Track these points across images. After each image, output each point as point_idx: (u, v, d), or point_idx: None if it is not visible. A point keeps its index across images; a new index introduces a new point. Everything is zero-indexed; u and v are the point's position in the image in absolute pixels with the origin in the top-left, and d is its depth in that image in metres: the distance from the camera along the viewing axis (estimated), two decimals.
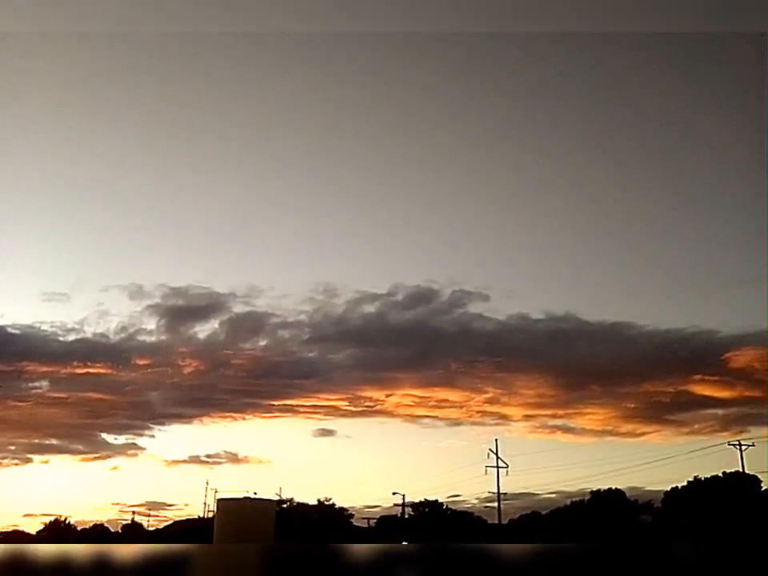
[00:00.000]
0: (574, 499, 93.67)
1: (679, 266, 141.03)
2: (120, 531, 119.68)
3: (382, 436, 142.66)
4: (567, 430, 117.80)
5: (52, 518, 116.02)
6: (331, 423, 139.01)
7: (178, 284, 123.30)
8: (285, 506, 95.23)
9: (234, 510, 67.19)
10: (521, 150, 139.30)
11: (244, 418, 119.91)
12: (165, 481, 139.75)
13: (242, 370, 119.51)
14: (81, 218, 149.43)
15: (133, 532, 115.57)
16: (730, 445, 76.13)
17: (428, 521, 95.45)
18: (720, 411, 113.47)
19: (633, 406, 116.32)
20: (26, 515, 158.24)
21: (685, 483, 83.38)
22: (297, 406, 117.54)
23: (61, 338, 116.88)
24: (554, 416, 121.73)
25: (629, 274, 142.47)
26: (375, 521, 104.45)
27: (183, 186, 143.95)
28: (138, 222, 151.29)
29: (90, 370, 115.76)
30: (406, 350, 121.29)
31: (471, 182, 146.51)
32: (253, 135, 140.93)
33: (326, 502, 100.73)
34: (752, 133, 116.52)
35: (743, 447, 75.24)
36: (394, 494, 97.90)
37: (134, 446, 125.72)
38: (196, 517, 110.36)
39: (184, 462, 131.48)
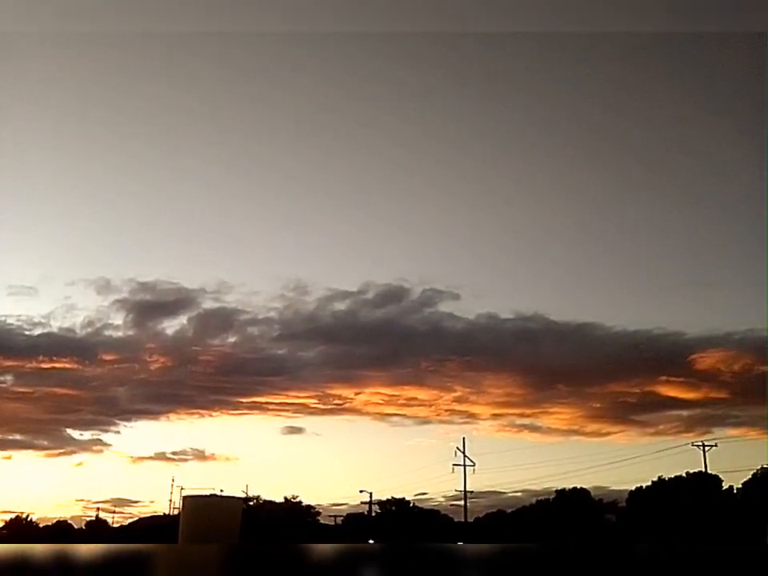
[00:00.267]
0: (539, 498, 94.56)
1: (647, 268, 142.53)
2: (84, 528, 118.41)
3: (351, 434, 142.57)
4: (534, 429, 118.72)
5: (13, 516, 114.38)
6: (300, 421, 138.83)
7: (147, 279, 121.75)
8: (251, 503, 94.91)
9: (200, 508, 66.84)
10: (493, 149, 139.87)
11: (211, 415, 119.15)
12: (130, 477, 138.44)
13: (211, 367, 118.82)
14: (48, 211, 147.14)
15: (97, 529, 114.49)
16: (693, 445, 77.24)
17: (395, 519, 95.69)
18: (685, 412, 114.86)
19: (599, 405, 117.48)
20: None
21: (649, 483, 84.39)
22: (265, 403, 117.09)
23: (27, 332, 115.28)
24: (521, 415, 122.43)
25: (597, 275, 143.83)
26: (342, 519, 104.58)
27: (152, 181, 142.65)
28: (107, 215, 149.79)
29: (56, 365, 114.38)
30: (376, 348, 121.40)
31: (443, 181, 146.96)
32: (225, 132, 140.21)
33: (293, 500, 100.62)
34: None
35: (706, 448, 76.38)
36: (361, 491, 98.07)
37: (100, 441, 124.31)
38: (161, 514, 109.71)
39: (150, 458, 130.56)
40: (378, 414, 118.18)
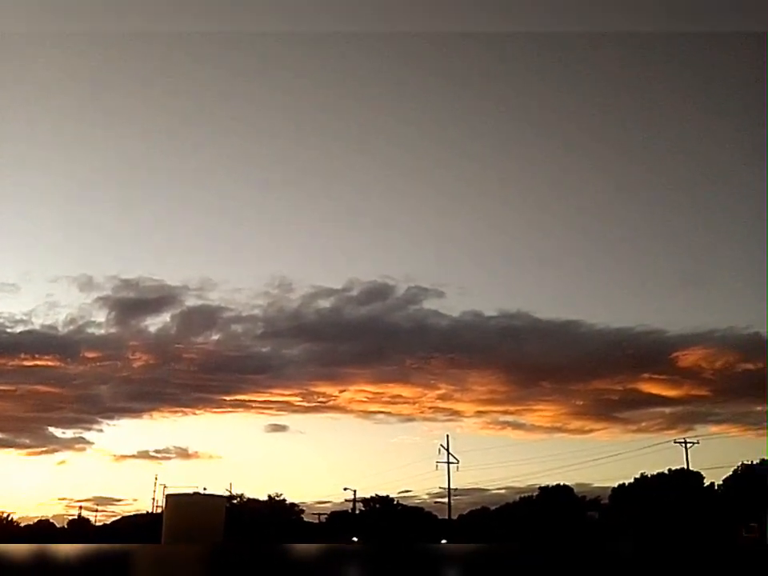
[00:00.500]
0: (522, 495, 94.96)
1: (630, 267, 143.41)
2: (66, 527, 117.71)
3: (335, 432, 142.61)
4: (518, 426, 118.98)
5: None
6: (284, 419, 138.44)
7: (129, 276, 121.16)
8: (235, 501, 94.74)
9: (184, 506, 66.75)
10: (478, 148, 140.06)
11: (195, 413, 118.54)
12: (113, 476, 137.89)
13: (194, 365, 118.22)
14: (30, 208, 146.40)
15: (79, 528, 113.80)
16: (675, 443, 77.69)
17: (378, 517, 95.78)
18: (667, 409, 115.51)
19: (582, 403, 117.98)
20: None
21: (632, 480, 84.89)
22: (249, 401, 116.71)
23: (9, 330, 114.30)
24: (505, 412, 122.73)
25: (581, 273, 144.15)
26: (326, 516, 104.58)
27: (135, 177, 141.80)
28: (89, 212, 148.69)
29: (38, 363, 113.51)
30: (361, 345, 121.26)
31: (429, 180, 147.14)
32: (209, 131, 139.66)
33: (277, 498, 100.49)
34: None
35: (688, 445, 76.88)
36: (345, 489, 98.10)
37: (82, 440, 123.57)
38: (144, 512, 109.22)
39: (133, 456, 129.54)
40: (362, 411, 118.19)
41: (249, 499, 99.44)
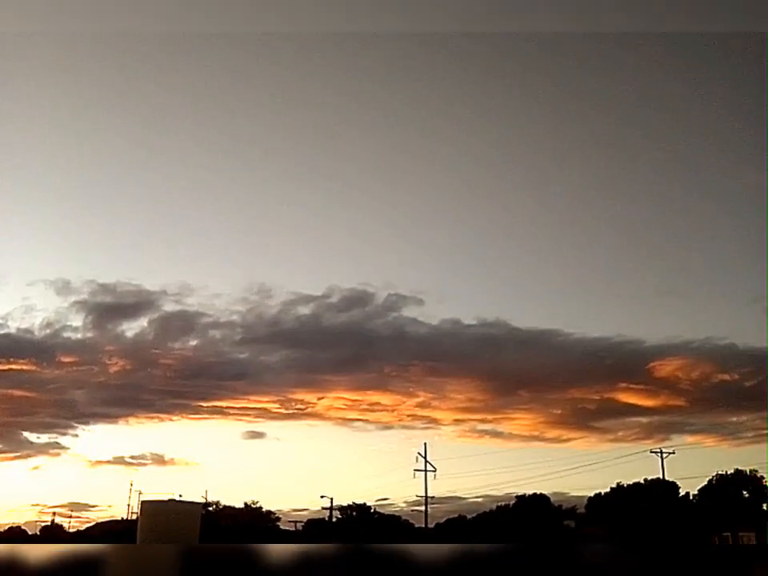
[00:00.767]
0: (500, 503, 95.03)
1: (609, 277, 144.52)
2: (39, 534, 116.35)
3: (312, 439, 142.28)
4: (495, 434, 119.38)
5: None
6: (261, 425, 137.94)
7: (107, 280, 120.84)
8: (211, 508, 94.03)
9: (159, 512, 66.12)
10: (458, 157, 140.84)
11: (171, 419, 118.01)
12: (88, 481, 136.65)
13: (171, 370, 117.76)
14: (7, 210, 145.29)
15: (52, 534, 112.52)
16: (652, 452, 77.95)
17: (355, 524, 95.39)
18: (644, 419, 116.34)
19: (559, 412, 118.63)
20: None
21: (608, 489, 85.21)
22: (226, 407, 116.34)
23: None
24: (483, 421, 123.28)
25: (560, 283, 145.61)
26: (302, 524, 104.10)
27: (114, 180, 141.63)
28: (67, 215, 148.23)
29: (13, 367, 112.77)
30: (340, 352, 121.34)
31: (409, 188, 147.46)
32: (189, 135, 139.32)
33: (253, 505, 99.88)
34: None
35: (664, 455, 77.17)
36: (322, 497, 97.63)
37: (57, 445, 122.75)
38: (119, 519, 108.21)
39: (108, 462, 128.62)
40: (340, 418, 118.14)
41: (225, 506, 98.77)
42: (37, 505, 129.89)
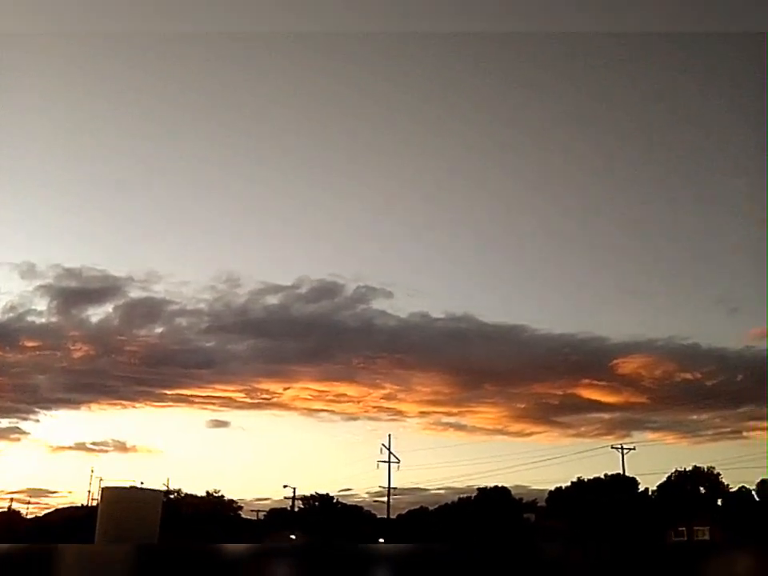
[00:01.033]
0: (461, 496, 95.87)
1: (576, 274, 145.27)
2: None
3: (277, 429, 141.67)
4: (459, 427, 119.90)
5: None
6: (226, 415, 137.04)
7: (73, 265, 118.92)
8: (172, 496, 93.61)
9: (119, 499, 65.71)
10: (429, 151, 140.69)
11: (135, 407, 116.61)
12: (48, 467, 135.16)
13: (136, 357, 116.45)
14: None
15: (9, 520, 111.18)
16: (612, 448, 79.12)
17: (317, 514, 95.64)
18: (606, 415, 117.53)
19: (523, 406, 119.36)
20: None
21: (568, 483, 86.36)
22: (191, 396, 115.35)
23: None
24: (448, 413, 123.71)
25: (527, 278, 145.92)
26: (264, 513, 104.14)
27: (82, 162, 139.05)
28: (32, 197, 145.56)
29: None
30: (308, 343, 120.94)
31: (381, 181, 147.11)
32: (158, 118, 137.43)
33: (215, 494, 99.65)
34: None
35: (625, 451, 78.34)
36: (285, 487, 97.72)
37: (18, 429, 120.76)
38: (79, 505, 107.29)
39: (70, 448, 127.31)
40: (305, 409, 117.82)
41: (186, 494, 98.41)
42: None
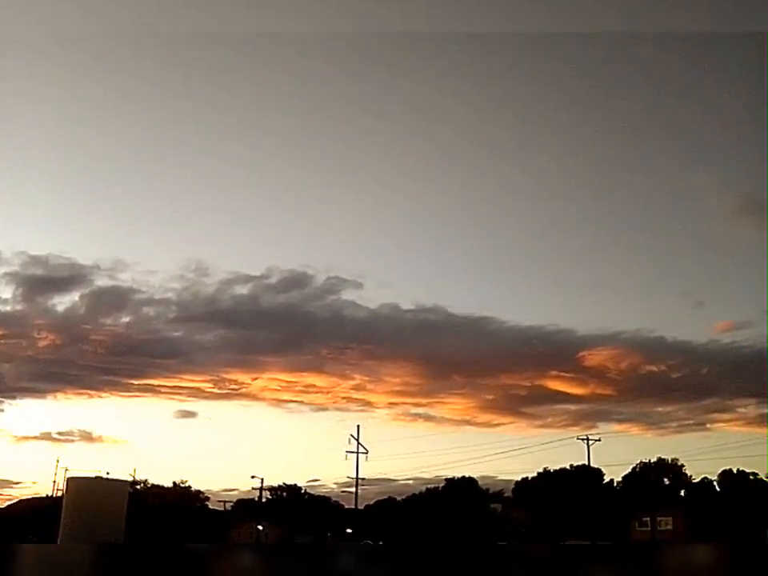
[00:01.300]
0: (429, 486, 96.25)
1: (545, 267, 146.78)
2: None
3: (245, 419, 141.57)
4: (428, 418, 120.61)
5: None
6: (193, 405, 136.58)
7: (39, 252, 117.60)
8: (139, 487, 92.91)
9: (85, 490, 64.82)
10: (402, 144, 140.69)
11: (101, 396, 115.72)
12: (13, 457, 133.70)
13: (102, 347, 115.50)
14: None
15: None
16: (578, 439, 79.75)
17: (285, 505, 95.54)
18: (572, 407, 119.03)
19: (491, 397, 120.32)
20: None
21: (535, 474, 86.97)
22: (158, 386, 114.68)
23: None
24: (417, 404, 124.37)
25: (496, 271, 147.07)
26: (232, 504, 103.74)
27: (50, 148, 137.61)
28: (0, 185, 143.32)
29: None
30: (277, 333, 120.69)
31: (351, 172, 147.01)
32: (129, 108, 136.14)
33: (182, 485, 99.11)
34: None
35: (590, 442, 79.00)
36: (252, 477, 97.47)
37: None
38: (44, 495, 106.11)
39: (35, 438, 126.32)
40: (274, 399, 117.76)
41: (153, 485, 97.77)
42: None
